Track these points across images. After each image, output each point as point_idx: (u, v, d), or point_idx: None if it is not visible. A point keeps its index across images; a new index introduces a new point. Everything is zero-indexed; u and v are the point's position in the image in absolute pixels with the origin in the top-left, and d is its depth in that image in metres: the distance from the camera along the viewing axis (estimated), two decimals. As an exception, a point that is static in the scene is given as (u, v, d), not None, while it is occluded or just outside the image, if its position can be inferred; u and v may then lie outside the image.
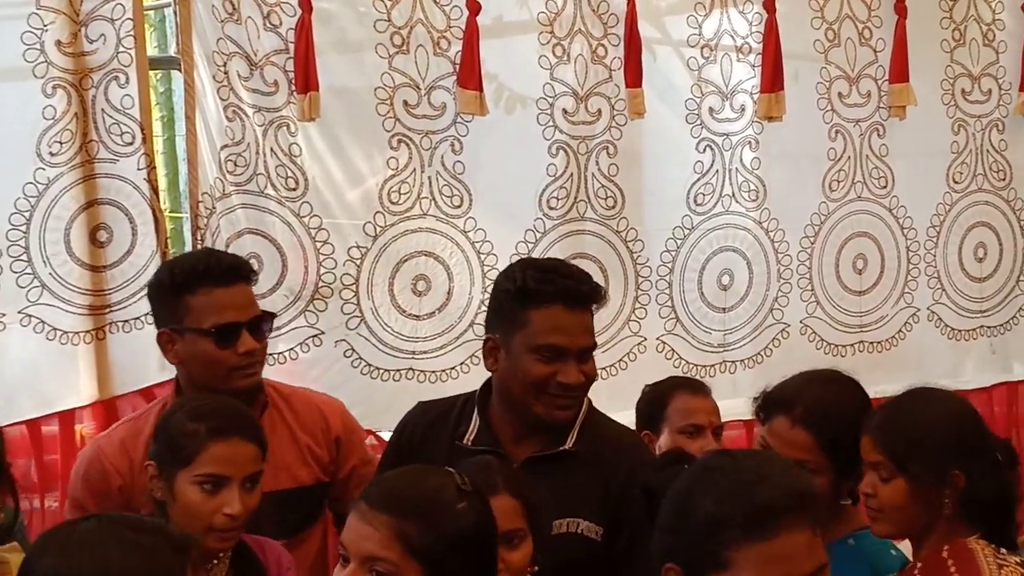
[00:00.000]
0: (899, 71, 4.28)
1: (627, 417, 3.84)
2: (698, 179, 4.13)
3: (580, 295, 2.71)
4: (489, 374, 2.80)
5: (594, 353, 2.77)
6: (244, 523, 2.49)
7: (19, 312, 3.45)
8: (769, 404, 2.66)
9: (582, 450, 2.71)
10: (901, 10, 4.27)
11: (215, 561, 2.45)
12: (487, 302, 3.79)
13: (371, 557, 1.90)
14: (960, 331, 4.52)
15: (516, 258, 3.87)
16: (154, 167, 3.61)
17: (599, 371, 3.91)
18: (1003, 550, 2.33)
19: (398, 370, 3.83)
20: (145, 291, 3.46)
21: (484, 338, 2.79)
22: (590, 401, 2.81)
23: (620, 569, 2.67)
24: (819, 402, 2.62)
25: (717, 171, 4.14)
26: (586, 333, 2.73)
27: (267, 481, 2.58)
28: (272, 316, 3.01)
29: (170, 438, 2.51)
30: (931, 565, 2.33)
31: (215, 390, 2.78)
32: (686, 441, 3.17)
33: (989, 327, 4.56)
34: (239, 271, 2.90)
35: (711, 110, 4.12)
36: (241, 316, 2.84)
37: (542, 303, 2.68)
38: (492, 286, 2.91)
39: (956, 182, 4.49)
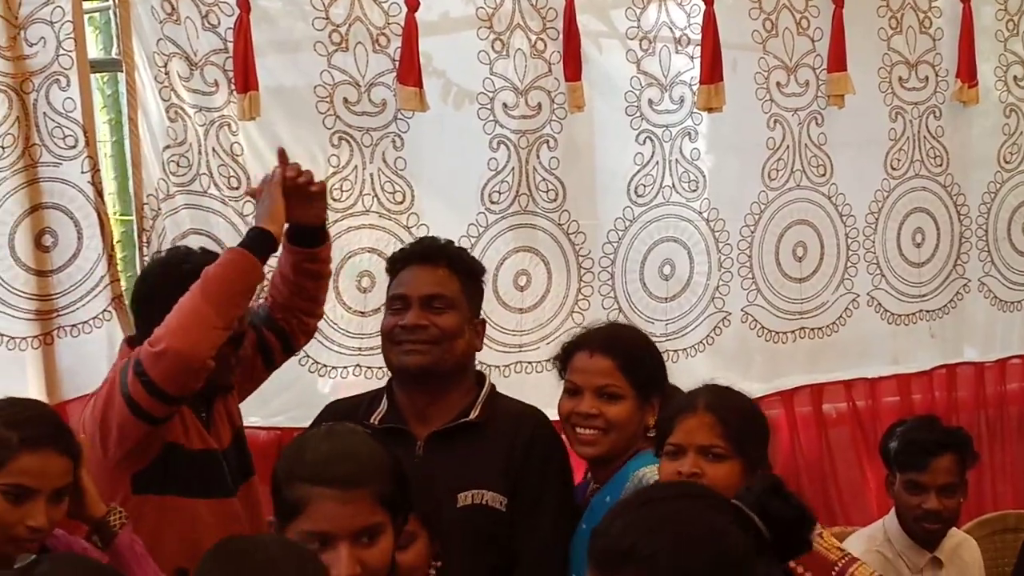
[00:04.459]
0: (837, 60, 4.31)
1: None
2: (638, 171, 4.16)
3: (423, 249, 3.02)
4: None
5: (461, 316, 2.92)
6: (47, 535, 2.43)
7: (-34, 318, 3.46)
8: (566, 351, 2.90)
9: (484, 422, 2.85)
10: (838, -1, 4.31)
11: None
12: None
13: (361, 530, 2.01)
14: (900, 316, 4.56)
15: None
16: (98, 170, 3.62)
17: (541, 364, 4.04)
18: None
19: (345, 367, 3.86)
20: (91, 295, 3.54)
21: None
22: (492, 384, 2.96)
23: (519, 536, 2.77)
24: (610, 332, 2.94)
25: (657, 162, 4.17)
26: (430, 283, 2.91)
27: None
28: None
29: None
30: None
31: None
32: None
33: (928, 311, 4.59)
34: None
35: (651, 102, 4.14)
36: None
37: (399, 268, 2.99)
38: None
39: (894, 168, 4.51)
